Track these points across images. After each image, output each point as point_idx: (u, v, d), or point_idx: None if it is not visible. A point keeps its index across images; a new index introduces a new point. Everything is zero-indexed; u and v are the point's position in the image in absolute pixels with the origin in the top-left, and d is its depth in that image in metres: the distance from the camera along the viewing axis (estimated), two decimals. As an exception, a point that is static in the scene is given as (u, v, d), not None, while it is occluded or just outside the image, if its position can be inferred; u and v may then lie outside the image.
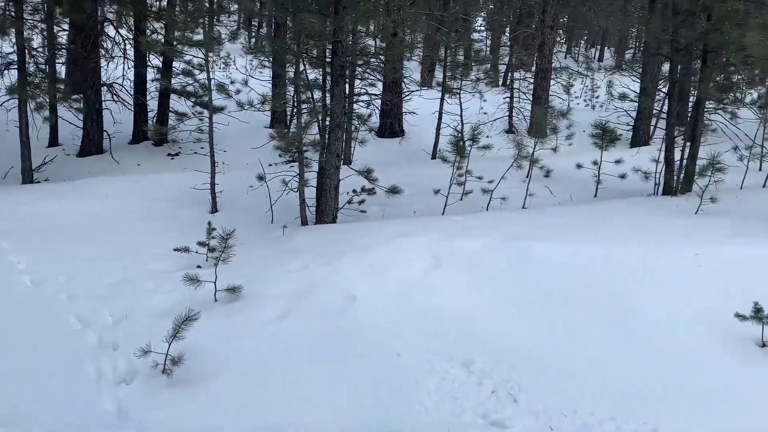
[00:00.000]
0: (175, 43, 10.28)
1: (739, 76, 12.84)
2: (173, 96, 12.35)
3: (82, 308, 5.25)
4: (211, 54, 8.84)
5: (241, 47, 15.55)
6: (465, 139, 9.37)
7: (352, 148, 11.06)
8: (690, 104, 9.98)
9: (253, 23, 28.43)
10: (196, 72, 9.75)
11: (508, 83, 17.27)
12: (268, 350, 4.62)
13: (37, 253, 6.39)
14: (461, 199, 8.54)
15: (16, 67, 10.05)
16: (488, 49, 27.27)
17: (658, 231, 6.58)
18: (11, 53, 10.90)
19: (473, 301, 5.20)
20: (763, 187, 9.39)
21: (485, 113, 15.01)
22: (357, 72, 10.14)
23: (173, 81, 11.78)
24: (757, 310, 4.43)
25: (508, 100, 15.12)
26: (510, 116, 14.97)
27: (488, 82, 14.66)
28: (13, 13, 10.14)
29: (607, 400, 4.08)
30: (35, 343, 4.68)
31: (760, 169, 10.39)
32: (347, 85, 8.91)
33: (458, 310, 5.07)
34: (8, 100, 10.59)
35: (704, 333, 4.74)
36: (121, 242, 6.88)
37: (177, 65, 11.79)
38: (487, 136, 12.19)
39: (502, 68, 21.57)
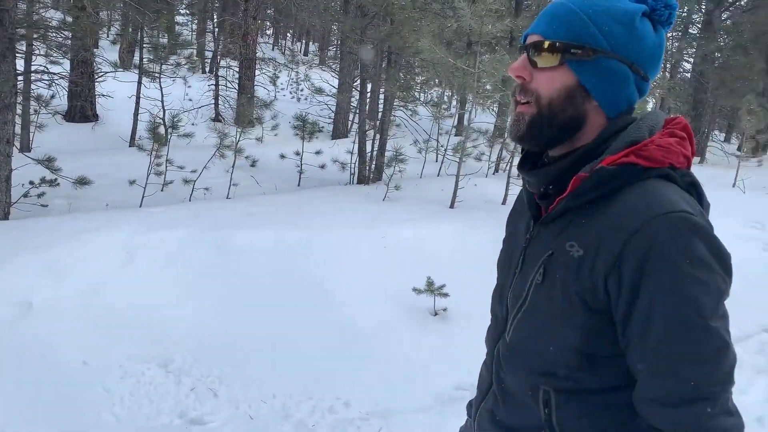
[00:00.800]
0: None
1: (422, 78, 14.51)
2: None
3: None
4: None
5: None
6: (166, 126, 8.95)
7: (31, 134, 9.72)
8: (380, 101, 10.94)
9: None
10: None
11: (214, 71, 16.93)
12: None
13: None
14: (162, 190, 8.14)
15: None
16: (194, 34, 26.38)
17: (353, 216, 7.10)
18: None
19: (173, 296, 4.98)
20: (438, 175, 10.80)
21: (190, 100, 14.53)
22: (35, 46, 8.91)
23: None
24: (429, 284, 5.05)
25: (213, 87, 14.84)
26: (216, 104, 14.72)
27: (190, 68, 14.17)
28: None
29: (306, 380, 4.25)
30: None
31: (436, 160, 11.92)
32: (22, 61, 7.79)
33: (156, 308, 4.80)
34: None
35: (391, 307, 5.26)
36: None
37: None
38: (193, 124, 11.86)
39: (209, 55, 21.07)
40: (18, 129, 8.35)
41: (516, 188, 8.51)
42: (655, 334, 1.02)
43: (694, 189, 1.12)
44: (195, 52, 18.24)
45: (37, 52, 9.08)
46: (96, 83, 12.73)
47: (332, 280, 5.46)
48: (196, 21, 26.89)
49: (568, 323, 1.10)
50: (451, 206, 7.84)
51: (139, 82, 11.62)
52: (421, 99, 14.76)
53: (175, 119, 8.41)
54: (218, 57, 16.82)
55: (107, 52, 14.98)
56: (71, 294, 4.73)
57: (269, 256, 5.66)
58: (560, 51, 1.11)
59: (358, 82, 11.03)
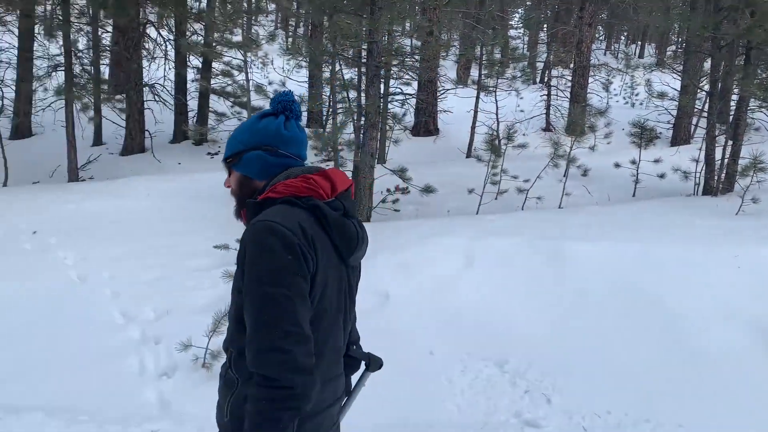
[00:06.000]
0: (214, 44, 10.49)
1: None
2: (212, 96, 12.60)
3: (126, 304, 5.42)
4: (249, 54, 8.99)
5: (278, 48, 15.80)
6: (500, 137, 9.37)
7: (387, 147, 11.12)
8: (732, 102, 9.74)
9: (290, 23, 28.73)
10: (235, 73, 9.91)
11: (545, 81, 17.13)
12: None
13: (83, 250, 6.62)
14: (496, 199, 8.53)
15: (63, 68, 10.40)
16: (525, 46, 27.03)
17: (698, 231, 6.47)
18: (58, 55, 11.28)
19: (507, 301, 5.20)
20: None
21: (522, 111, 14.92)
22: (392, 71, 10.18)
23: (212, 81, 12.02)
24: (799, 313, 4.33)
25: (545, 98, 14.99)
26: (547, 114, 14.85)
27: (525, 80, 14.54)
28: (60, 17, 10.49)
29: (642, 401, 4.05)
30: (83, 336, 4.86)
31: (806, 169, 10.10)
32: (382, 85, 8.98)
33: (492, 310, 5.07)
34: (55, 101, 10.96)
35: (739, 333, 4.66)
36: (161, 240, 7.06)
37: (216, 66, 12.03)
38: (524, 135, 12.16)
39: (540, 65, 21.38)
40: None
41: None
42: (246, 299, 1.58)
43: (317, 209, 1.67)
44: (527, 64, 18.68)
45: (393, 75, 10.37)
46: (438, 100, 13.98)
47: (671, 299, 5.06)
48: (527, 34, 27.57)
49: (234, 300, 1.70)
50: (828, 223, 6.58)
51: (477, 97, 12.39)
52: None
53: (511, 131, 8.75)
54: (550, 67, 16.96)
55: (447, 71, 16.33)
56: (420, 290, 5.30)
57: (603, 268, 5.50)
58: (227, 163, 1.85)
59: (705, 82, 10.00)
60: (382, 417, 3.98)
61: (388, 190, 8.22)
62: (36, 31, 12.52)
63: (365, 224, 7.45)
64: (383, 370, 4.45)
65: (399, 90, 9.87)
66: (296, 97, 1.89)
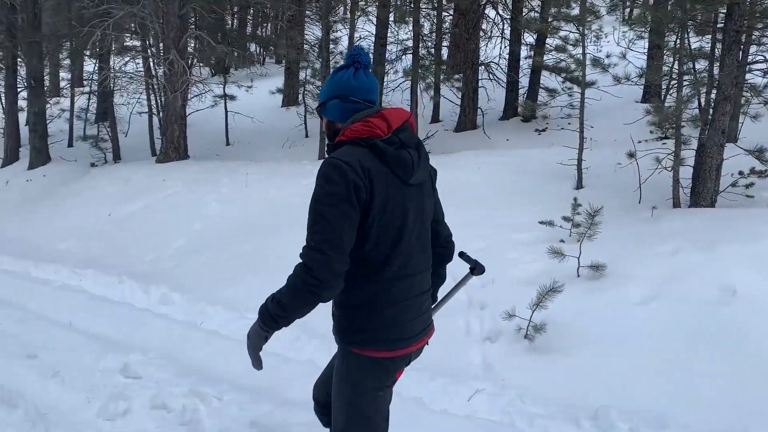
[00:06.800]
0: (550, 19, 10.41)
1: None
2: (543, 72, 12.56)
3: (454, 267, 5.80)
4: (583, 28, 8.70)
5: (614, 19, 14.99)
6: None
7: (740, 124, 9.71)
8: None
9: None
10: (570, 48, 9.70)
11: None
12: (630, 332, 4.46)
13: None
14: None
15: (411, 52, 11.47)
16: None
17: None
18: (407, 40, 12.48)
19: None
20: None
21: None
22: (753, 36, 8.79)
23: (544, 57, 11.96)
24: None
25: None
26: None
27: None
28: (410, 4, 11.55)
29: None
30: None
31: None
32: (740, 53, 7.84)
33: None
34: (403, 82, 12.17)
35: None
36: (488, 211, 7.36)
37: (549, 41, 11.94)
38: None
39: None
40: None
41: None
42: (309, 212, 2.00)
43: (374, 147, 2.04)
44: None
45: (755, 41, 8.96)
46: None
47: None
48: None
49: None
50: None
51: None
52: None
53: None
54: None
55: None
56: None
57: None
58: (318, 111, 2.28)
59: None
60: (715, 415, 3.59)
61: (741, 173, 7.18)
62: (391, 18, 14.01)
63: (708, 210, 6.67)
64: (728, 371, 3.97)
65: (762, 57, 8.48)
66: (364, 49, 2.23)
